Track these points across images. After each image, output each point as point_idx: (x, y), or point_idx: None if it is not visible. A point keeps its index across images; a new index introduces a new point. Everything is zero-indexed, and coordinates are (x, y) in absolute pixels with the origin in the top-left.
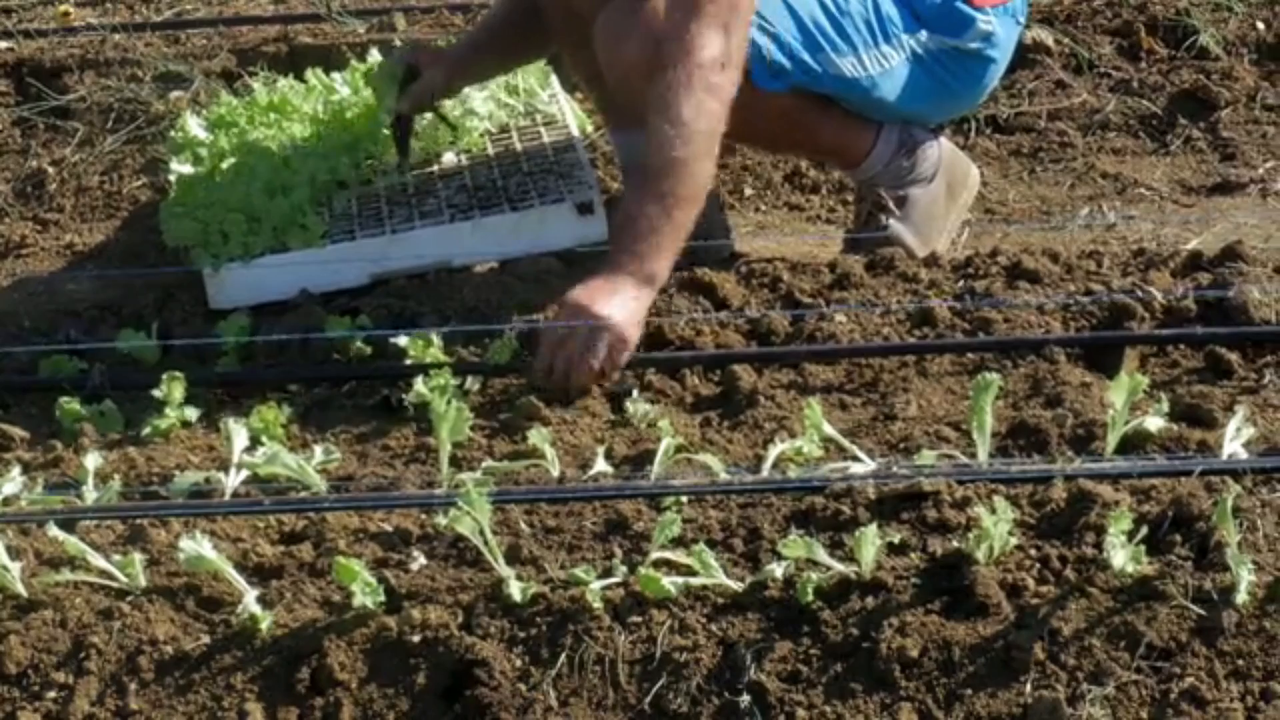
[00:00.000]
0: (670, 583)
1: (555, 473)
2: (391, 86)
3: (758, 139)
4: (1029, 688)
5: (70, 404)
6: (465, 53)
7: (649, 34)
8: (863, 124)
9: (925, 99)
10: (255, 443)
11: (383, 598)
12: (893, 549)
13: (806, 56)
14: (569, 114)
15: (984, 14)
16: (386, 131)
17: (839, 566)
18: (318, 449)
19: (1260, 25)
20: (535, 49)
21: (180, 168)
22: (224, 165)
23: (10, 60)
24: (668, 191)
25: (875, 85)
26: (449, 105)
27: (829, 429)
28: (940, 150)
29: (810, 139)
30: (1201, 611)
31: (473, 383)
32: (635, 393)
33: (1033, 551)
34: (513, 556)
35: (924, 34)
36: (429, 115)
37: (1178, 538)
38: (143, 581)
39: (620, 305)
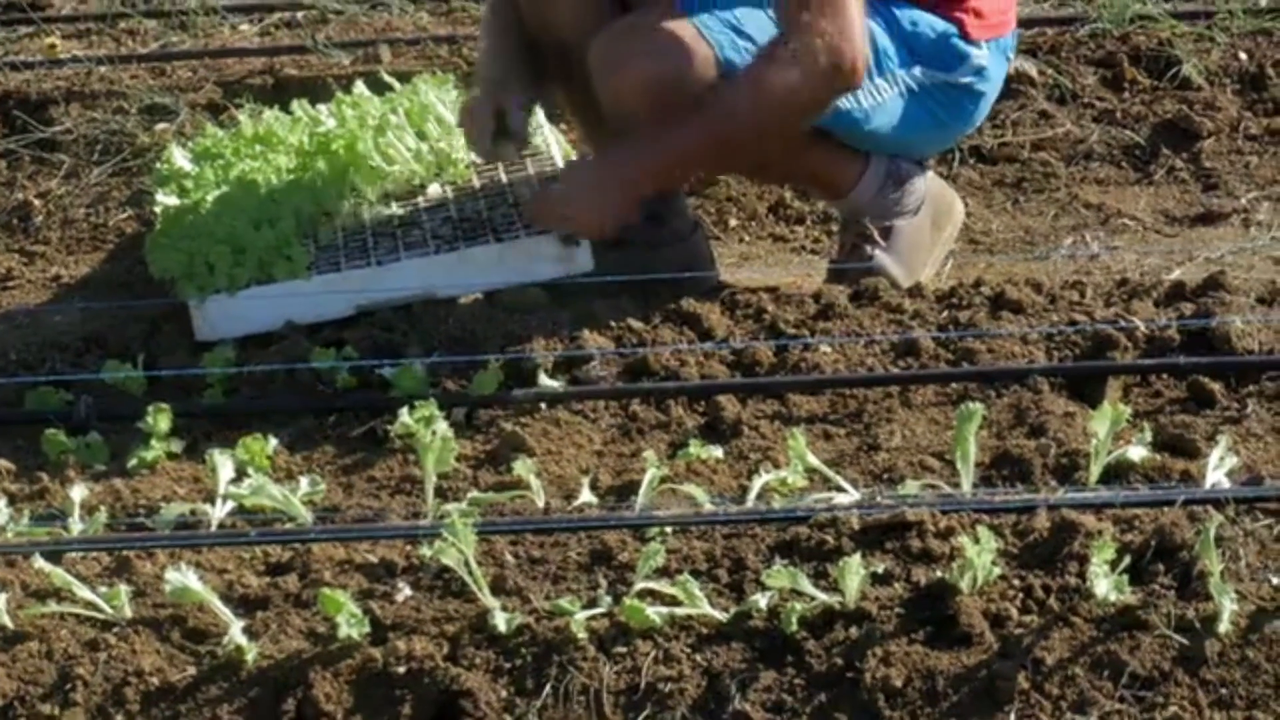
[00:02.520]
0: (655, 613)
1: (540, 503)
2: (487, 139)
3: (747, 168)
4: (1013, 717)
5: (56, 436)
6: (518, 68)
7: (647, 54)
8: (851, 155)
9: (916, 132)
10: (241, 474)
11: (368, 629)
12: (877, 579)
13: None
14: (554, 145)
15: (978, 48)
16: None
17: (823, 596)
18: (303, 480)
19: (1243, 56)
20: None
21: (166, 200)
22: (209, 197)
23: None
24: (718, 133)
25: (868, 118)
26: (431, 135)
27: (813, 459)
28: (926, 183)
29: (799, 169)
30: (1184, 641)
31: (458, 414)
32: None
33: (1016, 581)
34: (498, 587)
35: (918, 69)
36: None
37: (1161, 567)
38: (128, 613)
39: (591, 204)
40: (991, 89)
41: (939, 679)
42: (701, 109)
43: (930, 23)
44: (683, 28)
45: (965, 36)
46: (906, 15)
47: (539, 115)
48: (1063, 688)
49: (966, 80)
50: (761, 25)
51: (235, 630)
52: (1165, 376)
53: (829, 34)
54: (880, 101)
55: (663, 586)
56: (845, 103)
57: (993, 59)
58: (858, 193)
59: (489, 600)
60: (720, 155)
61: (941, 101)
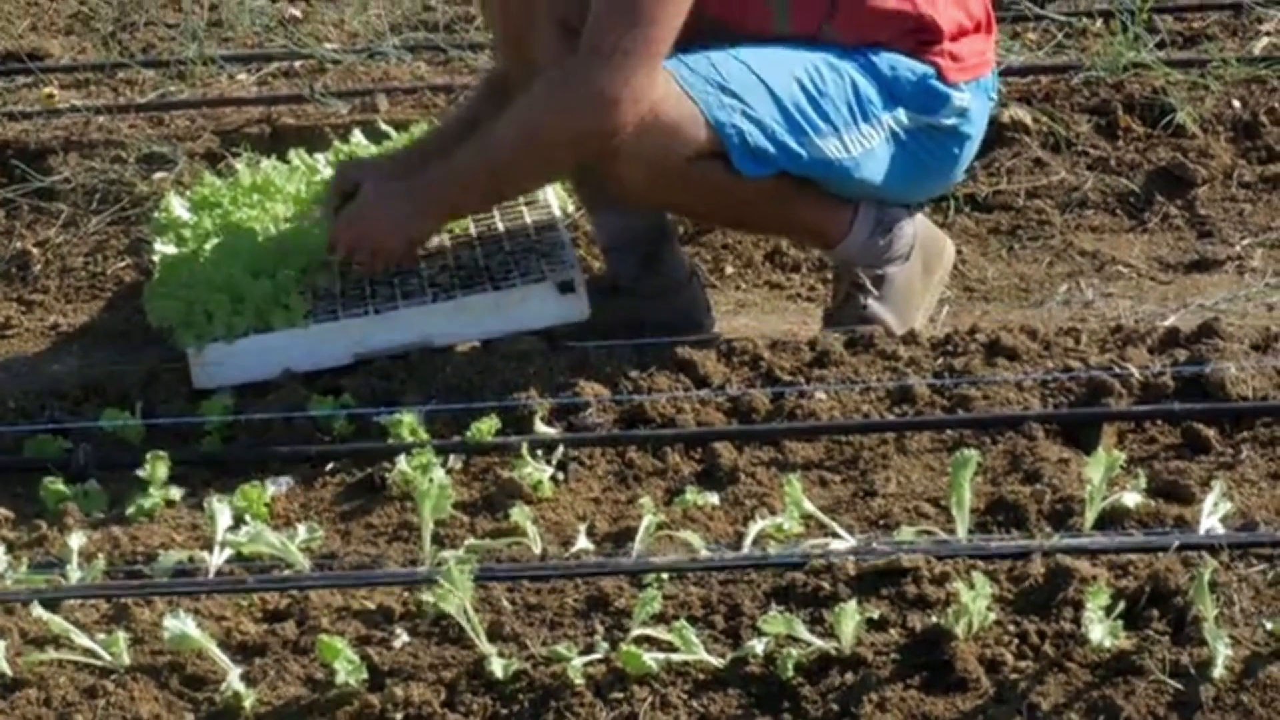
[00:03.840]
0: (652, 659)
1: (537, 550)
2: (330, 208)
3: (738, 222)
4: None
5: (55, 484)
6: (411, 159)
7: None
8: (840, 204)
9: (905, 178)
10: (239, 521)
11: (365, 675)
12: (872, 625)
13: (790, 140)
14: (551, 193)
15: (959, 90)
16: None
17: (819, 642)
18: (301, 527)
19: (1236, 103)
20: None
21: (164, 248)
22: (207, 246)
23: None
24: (485, 172)
25: (857, 166)
26: None
27: (809, 505)
28: (915, 227)
29: (789, 221)
30: (1179, 686)
31: (455, 461)
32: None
33: (1011, 627)
34: (495, 634)
35: (901, 112)
36: None
37: (1155, 613)
38: (127, 660)
39: (397, 223)
40: (976, 132)
41: None
42: (475, 146)
43: (909, 66)
44: (669, 88)
45: (943, 80)
46: (884, 60)
47: None
48: None
49: (950, 122)
50: (746, 80)
51: (233, 677)
52: (1160, 423)
53: (604, 80)
54: (869, 148)
55: (659, 633)
56: (834, 152)
57: (975, 100)
58: (849, 242)
59: (486, 647)
60: (493, 194)
61: (927, 145)
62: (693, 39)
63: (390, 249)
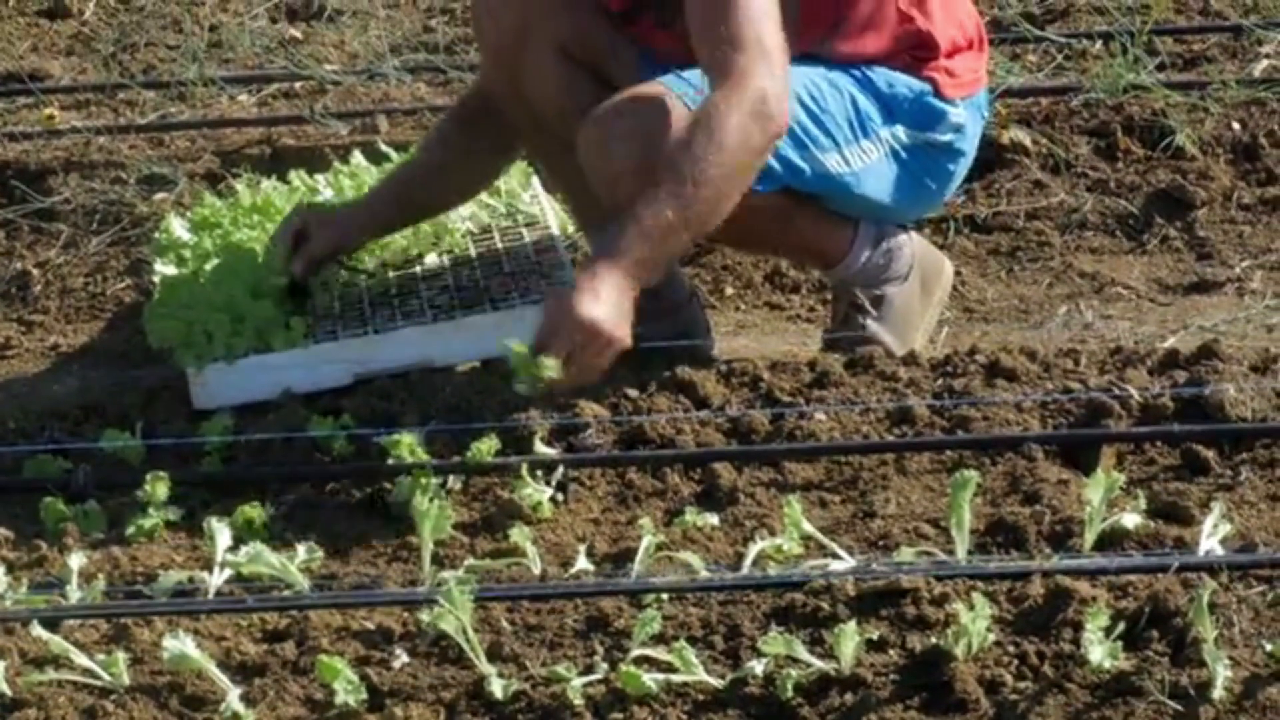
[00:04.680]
0: (651, 680)
1: (537, 571)
2: (282, 253)
3: (740, 241)
4: None
5: (54, 504)
6: (367, 210)
7: (637, 135)
8: (840, 223)
9: (904, 194)
10: (238, 542)
11: (365, 696)
12: (872, 645)
13: (793, 155)
14: (550, 214)
15: (954, 106)
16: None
17: (819, 663)
18: (300, 548)
19: (1236, 125)
20: (452, 198)
21: (164, 269)
22: (207, 266)
23: None
24: (690, 203)
25: (858, 181)
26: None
27: (808, 526)
28: (913, 247)
29: (791, 239)
30: (1179, 707)
31: (455, 481)
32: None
33: (1011, 648)
34: (494, 654)
35: (899, 128)
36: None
37: (1155, 634)
38: (126, 680)
39: (618, 310)
40: (970, 149)
41: None
42: (666, 180)
43: (906, 82)
44: (670, 103)
45: (940, 95)
46: (881, 77)
47: (535, 184)
48: None
49: (947, 138)
50: None
51: (233, 697)
52: (1159, 444)
53: (764, 82)
54: (869, 163)
55: (659, 653)
56: (835, 167)
57: (969, 117)
58: (849, 261)
59: (486, 667)
60: (702, 223)
61: (924, 161)
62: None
63: (621, 336)
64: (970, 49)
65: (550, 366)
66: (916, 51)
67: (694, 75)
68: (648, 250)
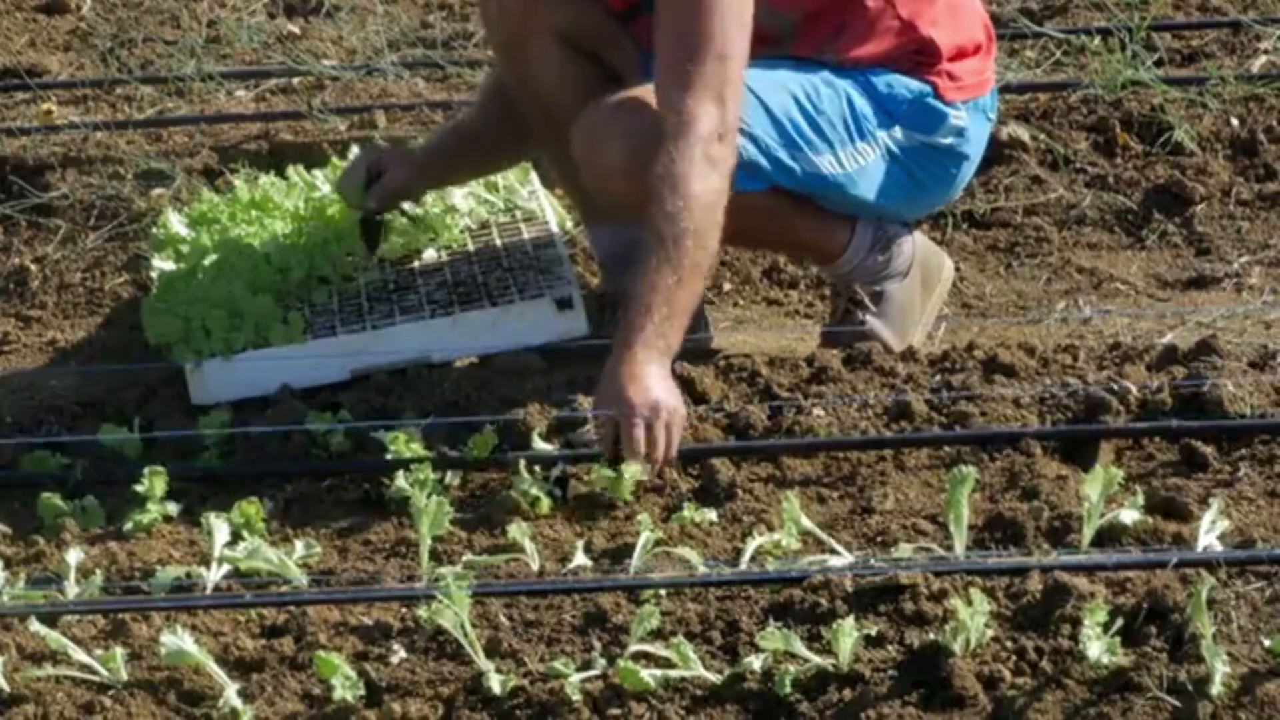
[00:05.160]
0: (649, 675)
1: (535, 566)
2: (357, 186)
3: (734, 237)
4: None
5: (52, 499)
6: (430, 158)
7: (630, 136)
8: (838, 220)
9: (900, 196)
10: (236, 537)
11: (363, 691)
12: (870, 641)
13: (784, 155)
14: (549, 210)
15: (955, 109)
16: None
17: (817, 659)
18: (299, 543)
19: (1234, 121)
20: (502, 161)
21: (162, 264)
22: (206, 262)
23: None
24: (681, 262)
25: (852, 183)
26: (426, 202)
27: (807, 522)
28: (914, 244)
29: (786, 236)
30: (1177, 703)
31: (453, 477)
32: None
33: (1009, 643)
34: (492, 649)
35: (898, 130)
36: (399, 214)
37: (1153, 629)
38: (124, 676)
39: (665, 385)
40: (974, 151)
41: None
42: (656, 248)
43: (905, 84)
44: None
45: (940, 98)
46: (881, 79)
47: (534, 180)
48: None
49: (948, 141)
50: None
51: (231, 693)
52: (1157, 440)
53: (707, 124)
54: (863, 165)
55: (657, 649)
56: (828, 168)
57: (972, 120)
58: (846, 257)
59: (484, 663)
60: (702, 274)
61: (923, 164)
62: None
63: (678, 405)
64: (976, 53)
65: (634, 470)
66: (918, 56)
67: None
68: (661, 318)
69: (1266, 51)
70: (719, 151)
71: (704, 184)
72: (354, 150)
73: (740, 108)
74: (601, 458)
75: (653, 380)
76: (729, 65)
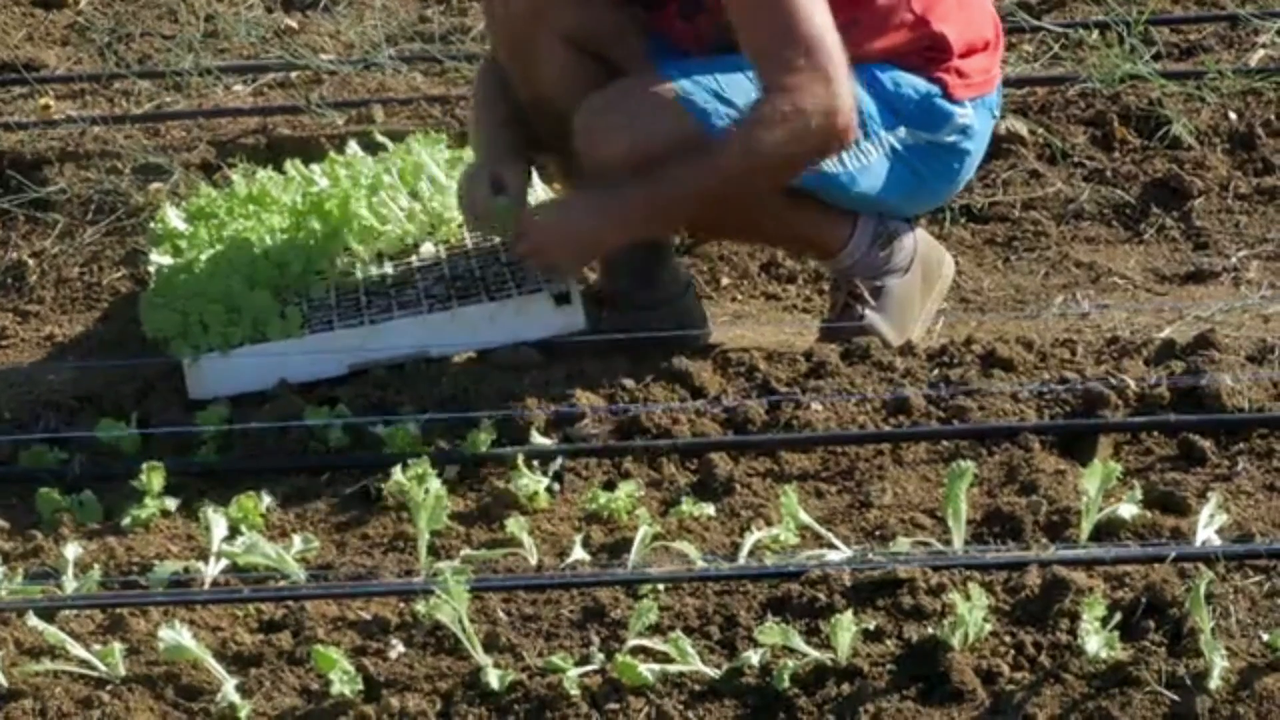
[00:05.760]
0: (647, 670)
1: (533, 561)
2: (489, 200)
3: (735, 231)
4: None
5: (50, 494)
6: (514, 146)
7: (630, 125)
8: (839, 215)
9: (902, 193)
10: (234, 532)
11: (361, 686)
12: (868, 636)
13: None
14: None
15: (961, 107)
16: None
17: (815, 653)
18: (296, 538)
19: (1232, 115)
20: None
21: (160, 259)
22: (203, 257)
23: None
24: (705, 185)
25: (854, 181)
26: (423, 195)
27: (805, 516)
28: (915, 240)
29: (788, 231)
30: (1175, 698)
31: (451, 472)
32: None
33: (1007, 638)
34: (491, 644)
35: (902, 130)
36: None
37: (1151, 624)
38: (122, 670)
39: (570, 240)
40: (977, 148)
41: None
42: (690, 165)
43: (913, 83)
44: (666, 97)
45: (948, 96)
46: (889, 76)
47: (533, 176)
48: None
49: (951, 139)
50: (745, 90)
51: (229, 688)
52: (1156, 434)
53: (820, 96)
54: (866, 164)
55: (655, 643)
56: (831, 166)
57: (978, 117)
58: (847, 252)
59: (482, 657)
60: (704, 211)
61: (927, 162)
62: (711, 50)
63: (567, 261)
64: (985, 49)
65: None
66: (929, 52)
67: (701, 69)
68: (645, 207)
69: (1264, 45)
70: (834, 123)
71: (778, 150)
72: (351, 146)
73: (848, 91)
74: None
75: (571, 207)
76: (824, 49)
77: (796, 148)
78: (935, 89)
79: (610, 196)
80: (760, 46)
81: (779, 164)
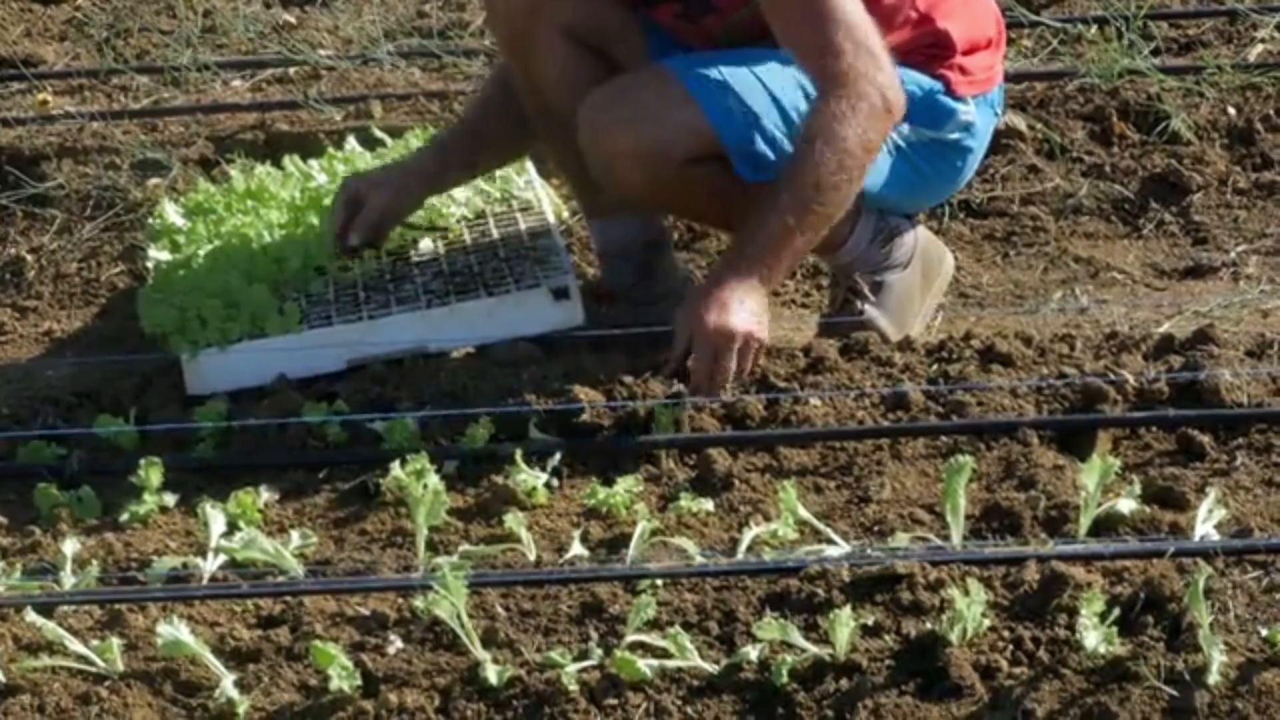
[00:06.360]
0: (646, 665)
1: (531, 556)
2: (337, 223)
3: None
4: None
5: (48, 490)
6: (412, 174)
7: (635, 119)
8: None
9: (905, 189)
10: (232, 528)
11: (359, 681)
12: (867, 631)
13: (791, 148)
14: (545, 200)
15: (964, 104)
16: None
17: (813, 649)
18: (295, 534)
19: (1231, 110)
20: (497, 159)
21: (158, 255)
22: (202, 252)
23: None
24: (812, 206)
25: None
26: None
27: (804, 512)
28: (915, 236)
29: None
30: (1174, 693)
31: (449, 467)
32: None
33: (1006, 633)
34: (489, 640)
35: (906, 126)
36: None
37: (1150, 619)
38: (120, 666)
39: (748, 312)
40: (979, 145)
41: None
42: (786, 190)
43: (916, 80)
44: (671, 89)
45: (951, 93)
46: None
47: (530, 170)
48: None
49: (954, 136)
50: (748, 83)
51: (227, 683)
52: (1155, 429)
53: (875, 78)
54: None
55: (654, 639)
56: None
57: (980, 114)
58: (848, 248)
59: (480, 653)
60: (822, 228)
61: (929, 159)
62: (718, 45)
63: (759, 333)
64: (988, 47)
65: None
66: (932, 49)
67: (704, 62)
68: (769, 255)
69: (1263, 40)
70: (889, 101)
71: (861, 141)
72: (350, 141)
73: (891, 66)
74: (663, 375)
75: (735, 306)
76: (863, 28)
77: (874, 132)
78: (938, 86)
79: (744, 274)
80: (805, 39)
81: (862, 154)
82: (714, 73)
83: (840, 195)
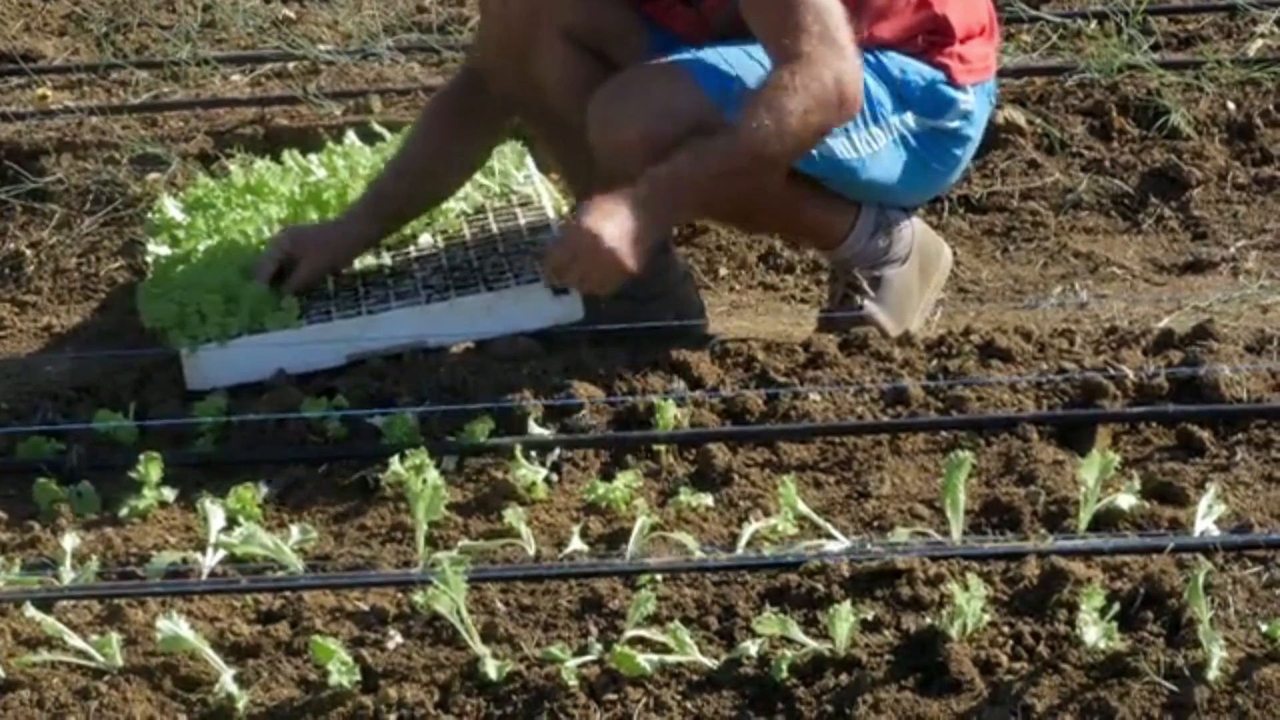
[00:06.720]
0: (645, 660)
1: (531, 551)
2: (264, 276)
3: (743, 219)
4: None
5: (48, 485)
6: (345, 233)
7: (645, 111)
8: (843, 205)
9: (908, 180)
10: (232, 523)
11: (359, 677)
12: (867, 626)
13: None
14: (544, 195)
15: (964, 93)
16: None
17: (813, 644)
18: (294, 529)
19: (1231, 105)
20: (422, 206)
21: (157, 249)
22: (201, 247)
23: None
24: (737, 162)
25: (865, 167)
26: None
27: (803, 507)
28: (914, 231)
29: (794, 220)
30: (1174, 688)
31: (448, 462)
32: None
33: (1006, 628)
34: (489, 635)
35: (909, 115)
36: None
37: (1150, 614)
38: (120, 661)
39: (617, 223)
40: (977, 134)
41: None
42: (715, 142)
43: (918, 69)
44: (679, 82)
45: (952, 81)
46: (895, 63)
47: (529, 165)
48: None
49: (955, 125)
50: (754, 73)
51: (226, 679)
52: (1154, 425)
53: (834, 64)
54: (875, 150)
55: (653, 634)
56: (843, 152)
57: (978, 103)
58: (849, 243)
59: (480, 648)
60: (738, 189)
61: (931, 148)
62: (717, 38)
63: (622, 254)
64: (983, 35)
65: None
66: (932, 37)
67: (709, 54)
68: (678, 192)
69: (1263, 35)
70: (845, 91)
71: (804, 118)
72: (349, 136)
73: (856, 61)
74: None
75: (619, 219)
76: (833, 17)
77: (818, 116)
78: (939, 74)
79: (642, 199)
80: (770, 17)
81: (802, 131)
82: (726, 67)
83: (767, 162)
